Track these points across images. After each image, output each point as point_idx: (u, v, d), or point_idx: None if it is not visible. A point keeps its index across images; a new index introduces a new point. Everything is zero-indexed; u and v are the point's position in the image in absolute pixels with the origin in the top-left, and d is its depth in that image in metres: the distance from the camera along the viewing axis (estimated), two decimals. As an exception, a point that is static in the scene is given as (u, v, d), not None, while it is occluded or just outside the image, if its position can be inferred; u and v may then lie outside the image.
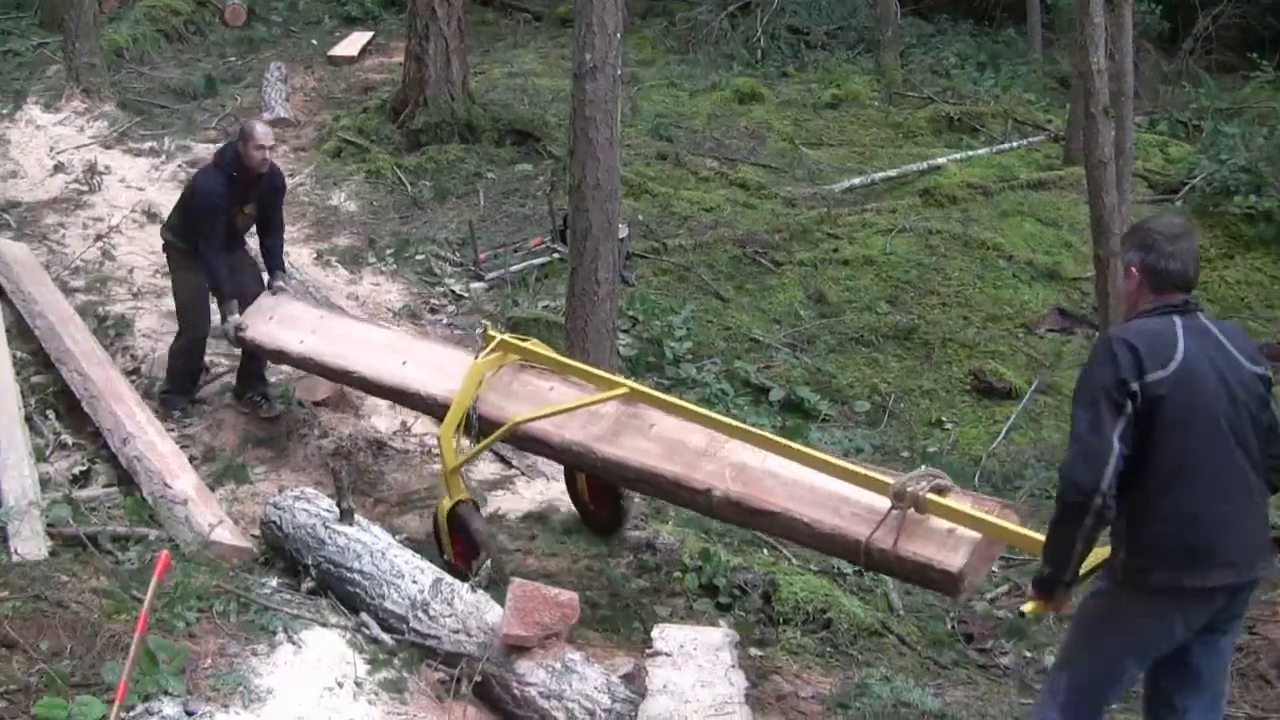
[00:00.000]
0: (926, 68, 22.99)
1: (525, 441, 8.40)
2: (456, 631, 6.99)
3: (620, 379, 8.41)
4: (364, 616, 7.27)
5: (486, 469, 9.95)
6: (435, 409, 8.77)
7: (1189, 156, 18.18)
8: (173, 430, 9.85)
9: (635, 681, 6.58)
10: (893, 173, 17.58)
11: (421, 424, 10.39)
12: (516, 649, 6.71)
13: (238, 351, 10.54)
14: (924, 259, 14.72)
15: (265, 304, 10.29)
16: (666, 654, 6.46)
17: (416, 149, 16.83)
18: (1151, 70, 22.95)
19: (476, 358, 8.53)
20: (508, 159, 16.83)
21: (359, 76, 20.55)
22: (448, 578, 7.40)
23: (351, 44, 22.08)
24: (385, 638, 7.09)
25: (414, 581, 7.31)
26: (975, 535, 6.41)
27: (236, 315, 10.10)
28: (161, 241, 10.59)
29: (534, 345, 8.64)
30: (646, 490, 8.03)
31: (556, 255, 13.46)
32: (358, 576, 7.45)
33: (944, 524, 6.49)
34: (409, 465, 9.98)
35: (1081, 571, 5.28)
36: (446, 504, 8.30)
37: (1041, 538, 5.78)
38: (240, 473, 9.52)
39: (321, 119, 18.23)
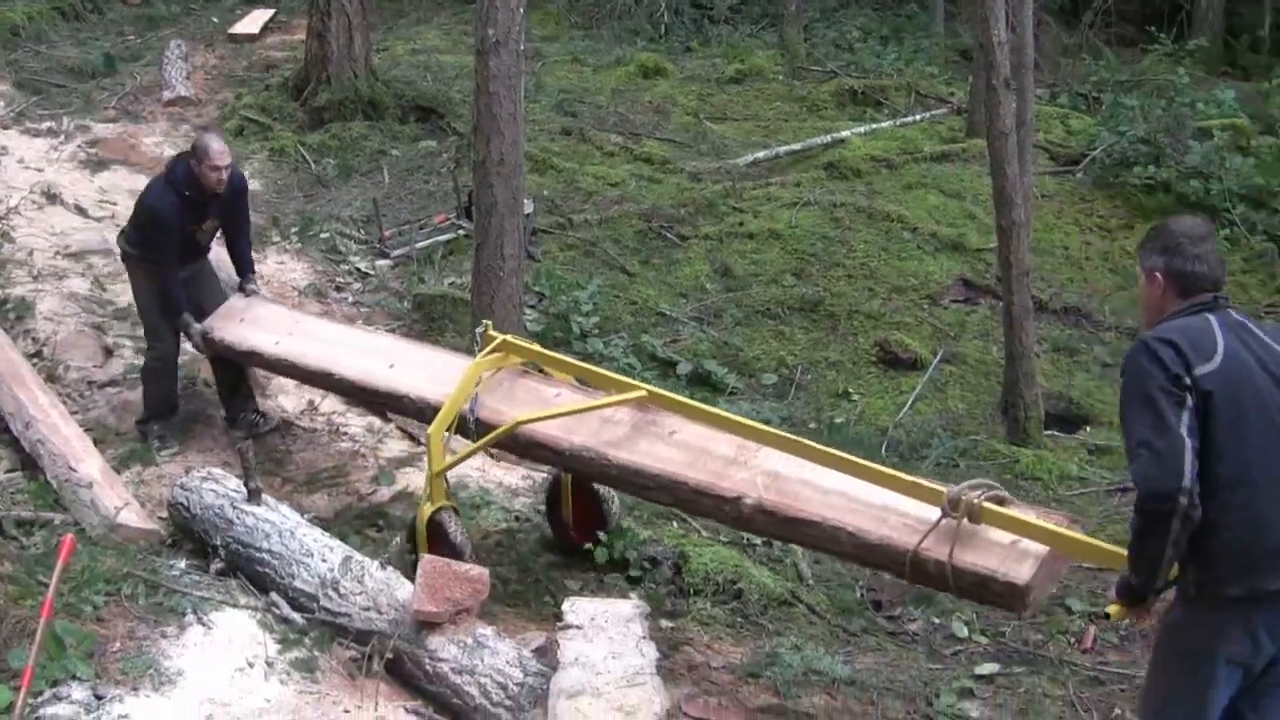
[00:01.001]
0: (830, 42, 23.10)
1: (528, 447, 7.84)
2: (367, 609, 6.99)
3: (636, 382, 7.96)
4: (274, 596, 7.25)
5: (395, 446, 9.94)
6: (428, 413, 8.18)
7: (1089, 128, 18.38)
8: (77, 414, 9.75)
9: (547, 655, 6.62)
10: (797, 146, 17.64)
11: (329, 402, 10.35)
12: (428, 625, 6.73)
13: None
14: (829, 232, 14.80)
15: (235, 306, 9.83)
16: (577, 627, 6.48)
17: (320, 127, 16.72)
18: (1052, 43, 23.18)
19: (476, 358, 8.15)
20: (412, 136, 16.76)
21: (261, 54, 20.36)
22: (357, 555, 7.39)
23: (253, 21, 21.88)
24: (296, 617, 7.08)
25: (323, 560, 7.30)
26: (1042, 547, 6.12)
27: (196, 324, 9.58)
28: (119, 251, 10.05)
29: (539, 348, 8.36)
30: (664, 500, 7.54)
31: (462, 232, 13.43)
32: (267, 556, 7.43)
33: (1004, 535, 6.21)
34: (316, 444, 9.94)
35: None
36: (428, 509, 7.82)
37: (1111, 548, 5.79)
38: (146, 455, 9.44)
39: (223, 97, 18.06)
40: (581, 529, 8.44)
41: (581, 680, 6.05)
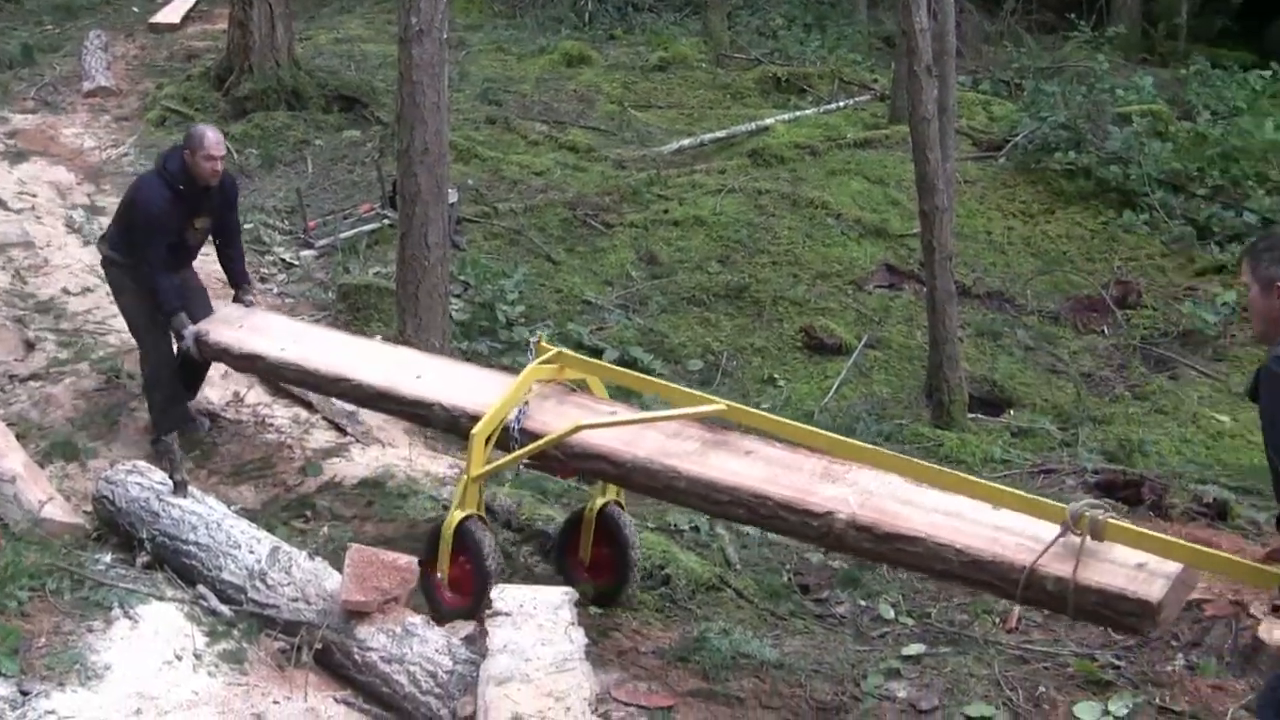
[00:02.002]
0: (753, 30, 23.19)
1: (584, 458, 7.36)
2: (295, 600, 6.99)
3: (713, 397, 7.56)
4: (201, 588, 7.23)
5: (322, 436, 9.91)
6: (460, 423, 7.77)
7: (1011, 114, 18.55)
8: (-1, 408, 9.69)
9: (476, 642, 6.62)
10: (721, 134, 17.71)
11: (254, 394, 10.31)
12: (356, 615, 6.73)
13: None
14: (753, 219, 14.87)
15: (231, 313, 9.47)
16: (506, 614, 6.49)
17: (242, 117, 16.64)
18: (974, 31, 23.33)
19: (529, 366, 7.74)
20: (335, 125, 16.70)
21: (182, 44, 20.24)
22: (285, 546, 7.38)
23: (174, 10, 21.74)
24: (223, 609, 7.06)
25: (251, 551, 7.29)
26: (1173, 565, 5.91)
27: (190, 324, 9.15)
28: (101, 257, 9.74)
29: (597, 362, 8.08)
30: (740, 516, 7.09)
31: (386, 221, 13.40)
32: (194, 549, 7.41)
33: (1129, 553, 5.98)
34: (242, 436, 9.90)
35: None
36: (457, 516, 7.42)
37: (1256, 565, 5.74)
38: (70, 449, 9.37)
39: (144, 87, 17.95)
40: (598, 572, 7.98)
41: (511, 667, 6.06)
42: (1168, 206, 15.92)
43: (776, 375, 12.21)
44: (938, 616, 8.21)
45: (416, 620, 6.77)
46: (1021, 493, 6.51)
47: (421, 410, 8.18)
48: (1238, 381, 12.49)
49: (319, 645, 6.72)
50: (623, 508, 7.95)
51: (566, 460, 7.47)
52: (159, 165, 9.27)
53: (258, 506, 8.79)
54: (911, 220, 13.99)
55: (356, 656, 6.67)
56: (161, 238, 9.09)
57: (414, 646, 6.58)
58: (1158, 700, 7.20)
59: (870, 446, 7.07)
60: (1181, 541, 6.05)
